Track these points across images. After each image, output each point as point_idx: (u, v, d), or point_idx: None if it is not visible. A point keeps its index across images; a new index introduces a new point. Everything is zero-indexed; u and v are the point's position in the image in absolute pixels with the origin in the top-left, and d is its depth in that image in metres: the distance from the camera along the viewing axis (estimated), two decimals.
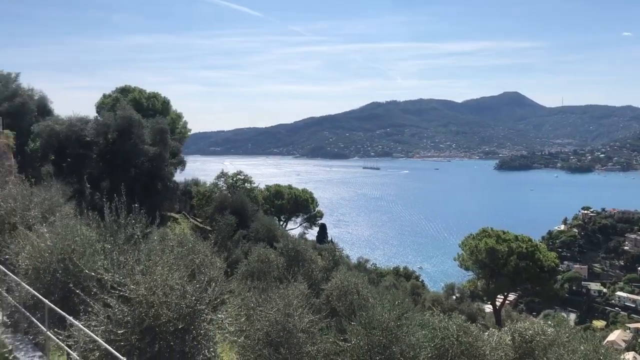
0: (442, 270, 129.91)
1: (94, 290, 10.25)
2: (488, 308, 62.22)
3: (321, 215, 75.89)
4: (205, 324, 9.76)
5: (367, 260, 56.31)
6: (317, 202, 75.79)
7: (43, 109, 49.64)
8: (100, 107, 57.51)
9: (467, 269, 57.60)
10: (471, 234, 58.31)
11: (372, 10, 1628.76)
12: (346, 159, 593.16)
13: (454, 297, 58.70)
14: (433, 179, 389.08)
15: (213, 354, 9.82)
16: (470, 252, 54.84)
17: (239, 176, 60.29)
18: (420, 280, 70.99)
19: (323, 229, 74.92)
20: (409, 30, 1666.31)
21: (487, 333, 14.67)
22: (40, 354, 10.79)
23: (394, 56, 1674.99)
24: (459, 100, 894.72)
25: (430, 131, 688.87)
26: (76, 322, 9.42)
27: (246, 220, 46.52)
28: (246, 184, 59.84)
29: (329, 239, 74.54)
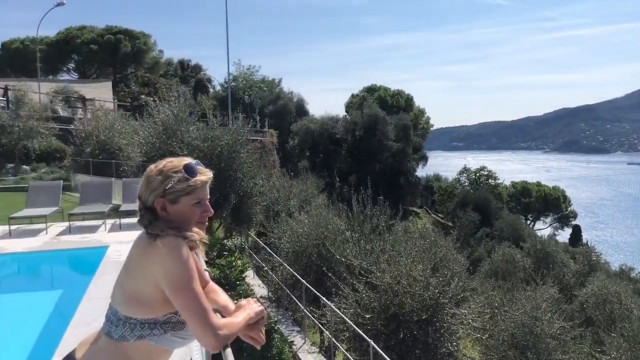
0: None
1: (344, 274, 11.01)
2: None
3: (575, 216, 69.17)
4: (448, 317, 9.72)
5: (631, 269, 49.46)
6: (570, 201, 69.32)
7: (300, 109, 55.23)
8: (348, 106, 61.63)
9: None
10: None
11: None
12: (606, 154, 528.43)
13: None
14: None
15: (456, 348, 9.73)
16: None
17: (482, 172, 58.51)
18: None
19: (577, 230, 68.17)
20: None
21: None
22: (298, 328, 12.00)
23: None
24: None
25: None
26: (329, 303, 10.23)
27: (489, 217, 44.92)
28: (490, 180, 57.76)
29: (584, 241, 67.52)
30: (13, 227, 10.47)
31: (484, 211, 44.60)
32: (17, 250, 9.05)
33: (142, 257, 2.02)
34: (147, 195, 2.06)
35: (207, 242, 2.12)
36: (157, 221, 2.02)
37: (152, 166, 2.11)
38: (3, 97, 29.85)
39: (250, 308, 2.17)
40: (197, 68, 64.12)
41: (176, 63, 63.54)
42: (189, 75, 60.86)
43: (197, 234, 2.05)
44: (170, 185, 2.03)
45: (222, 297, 2.32)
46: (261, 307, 2.20)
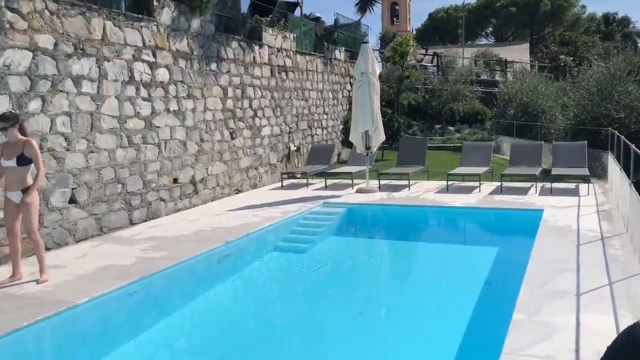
0: None
1: None
2: None
3: None
4: None
5: None
6: None
7: None
8: None
9: None
10: None
11: None
12: None
13: None
14: None
15: None
16: None
17: None
18: None
19: None
20: None
21: None
22: None
23: None
24: None
25: None
26: None
27: None
28: None
29: None
30: (449, 182, 11.42)
31: None
32: (456, 204, 9.81)
33: None
34: None
35: None
36: None
37: None
38: (432, 63, 32.96)
39: None
40: (625, 21, 57.06)
41: (599, 18, 57.96)
42: (614, 30, 54.73)
43: None
44: None
45: None
46: None
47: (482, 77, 29.96)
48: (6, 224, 5.92)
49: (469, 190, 11.15)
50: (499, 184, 11.28)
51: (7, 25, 6.74)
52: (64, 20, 7.56)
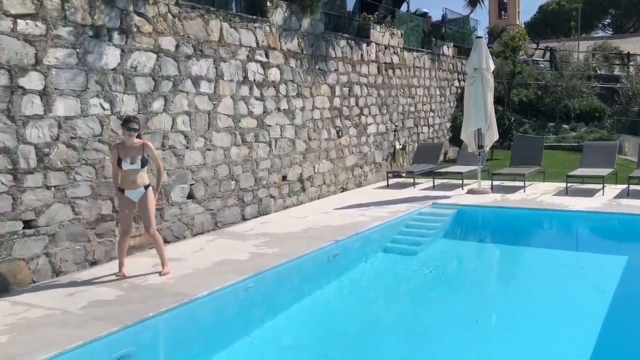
0: None
1: None
2: None
3: None
4: None
5: None
6: None
7: None
8: None
9: None
10: None
11: None
12: None
13: None
14: None
15: None
16: None
17: None
18: None
19: None
20: None
21: None
22: None
23: None
24: None
25: None
26: None
27: None
28: None
29: None
30: (568, 184, 10.65)
31: None
32: (578, 208, 9.12)
33: None
34: None
35: None
36: None
37: None
38: (544, 58, 31.16)
39: None
40: None
41: None
42: None
43: None
44: None
45: None
46: None
47: (600, 72, 27.85)
48: (123, 223, 6.16)
49: (591, 193, 10.35)
50: (624, 186, 10.39)
51: (135, 29, 7.12)
52: (185, 22, 7.87)
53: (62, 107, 6.24)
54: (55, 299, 5.37)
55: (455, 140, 16.95)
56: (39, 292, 5.65)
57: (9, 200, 5.76)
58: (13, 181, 5.80)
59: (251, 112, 9.15)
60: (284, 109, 9.95)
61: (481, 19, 63.04)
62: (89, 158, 6.55)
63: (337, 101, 11.53)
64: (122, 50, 6.96)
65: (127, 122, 6.04)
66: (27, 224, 5.94)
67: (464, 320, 5.47)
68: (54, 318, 4.88)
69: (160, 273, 6.13)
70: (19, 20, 5.81)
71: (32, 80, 5.94)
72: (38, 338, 4.43)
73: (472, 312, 5.77)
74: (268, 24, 9.49)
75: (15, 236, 5.82)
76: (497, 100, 18.50)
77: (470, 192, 10.87)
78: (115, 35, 6.87)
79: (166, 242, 7.52)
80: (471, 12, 21.27)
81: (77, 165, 6.42)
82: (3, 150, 5.70)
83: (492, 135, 10.95)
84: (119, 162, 5.95)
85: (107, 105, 6.77)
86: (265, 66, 9.44)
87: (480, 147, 10.99)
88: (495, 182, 11.34)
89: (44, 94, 6.05)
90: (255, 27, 9.21)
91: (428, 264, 7.65)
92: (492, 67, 11.01)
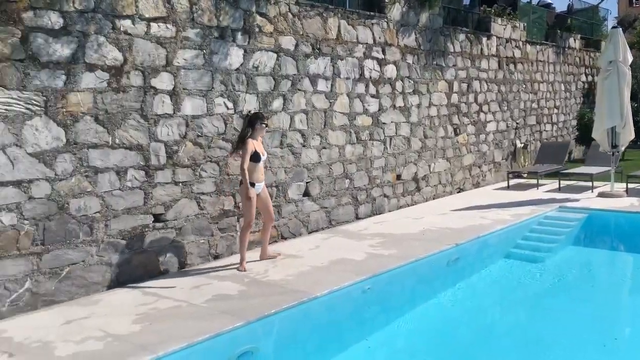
0: None
1: None
2: None
3: None
4: None
5: None
6: None
7: None
8: None
9: None
10: None
11: None
12: None
13: None
14: None
15: None
16: None
17: None
18: None
19: None
20: None
21: None
22: None
23: None
24: None
25: None
26: None
27: None
28: None
29: None
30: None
31: None
32: None
33: None
34: None
35: None
36: None
37: None
38: None
39: None
40: None
41: None
42: None
43: None
44: None
45: None
46: None
47: None
48: (250, 216, 6.22)
49: None
50: None
51: (257, 29, 7.25)
52: (304, 21, 7.91)
53: (190, 106, 6.50)
54: (182, 291, 5.59)
55: (582, 139, 15.74)
56: (166, 283, 5.91)
57: (141, 195, 6.09)
58: (145, 177, 6.12)
59: (366, 109, 9.03)
60: (400, 106, 9.72)
61: (610, 8, 58.29)
62: (214, 155, 6.77)
63: (454, 97, 11.08)
64: (245, 51, 7.12)
65: (261, 117, 6.33)
66: (157, 218, 6.25)
67: (598, 338, 4.98)
68: (182, 310, 5.06)
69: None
70: (152, 24, 6.11)
71: (163, 81, 6.24)
72: (168, 329, 4.60)
73: (607, 329, 5.25)
74: (385, 20, 9.31)
75: (147, 229, 6.14)
76: (632, 96, 16.94)
77: (601, 195, 9.99)
78: (239, 36, 7.04)
79: (283, 238, 7.61)
80: (601, 1, 19.52)
81: (203, 162, 6.66)
82: (137, 147, 6.03)
83: (628, 134, 9.98)
84: (256, 156, 6.15)
85: (230, 105, 6.96)
86: (381, 63, 9.27)
87: (614, 146, 10.06)
88: (631, 185, 10.33)
89: (173, 94, 6.33)
90: (372, 24, 9.07)
91: (555, 272, 7.11)
92: (630, 59, 10.03)
